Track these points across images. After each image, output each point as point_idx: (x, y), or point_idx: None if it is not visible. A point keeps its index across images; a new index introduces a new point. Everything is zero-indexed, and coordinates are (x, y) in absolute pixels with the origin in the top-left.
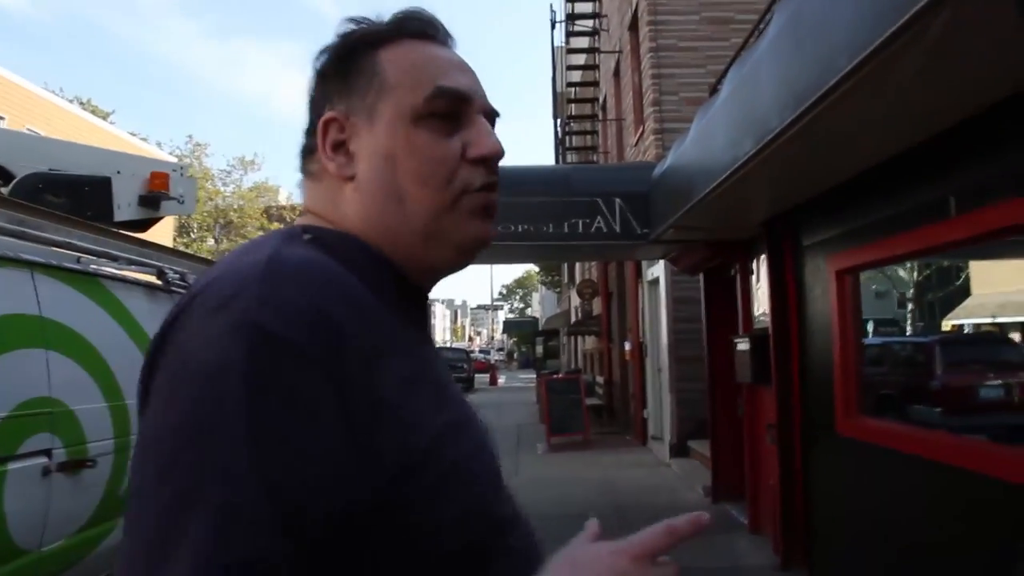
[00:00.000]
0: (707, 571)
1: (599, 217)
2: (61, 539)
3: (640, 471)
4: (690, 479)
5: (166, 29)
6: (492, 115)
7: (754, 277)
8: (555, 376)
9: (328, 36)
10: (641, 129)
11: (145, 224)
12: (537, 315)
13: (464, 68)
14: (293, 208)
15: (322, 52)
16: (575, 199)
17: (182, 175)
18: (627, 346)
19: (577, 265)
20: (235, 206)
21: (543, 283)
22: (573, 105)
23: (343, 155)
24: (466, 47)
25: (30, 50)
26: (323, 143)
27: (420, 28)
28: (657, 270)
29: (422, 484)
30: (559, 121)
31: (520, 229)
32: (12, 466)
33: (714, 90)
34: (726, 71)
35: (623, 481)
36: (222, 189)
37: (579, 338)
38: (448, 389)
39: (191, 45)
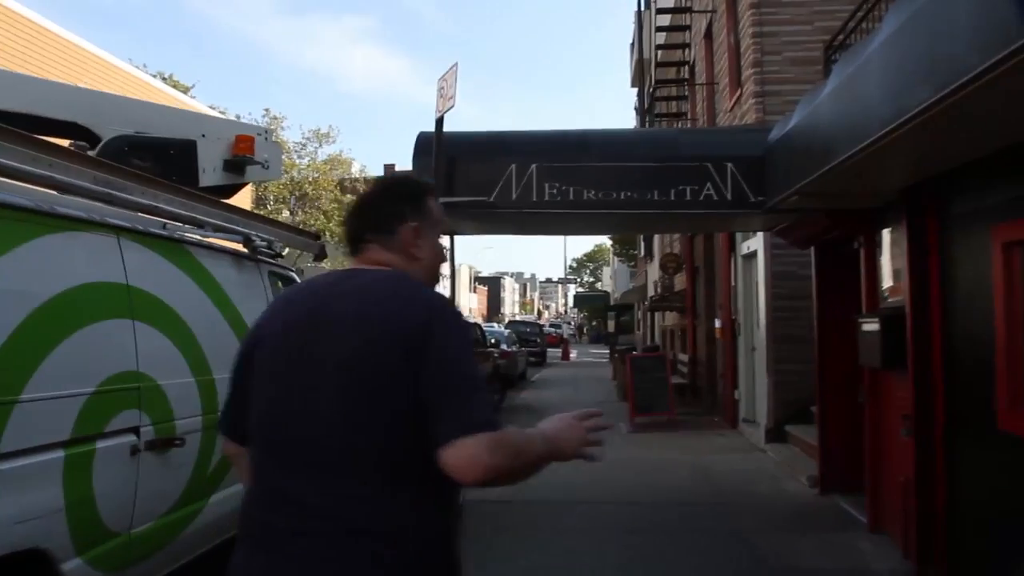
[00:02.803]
0: (829, 572)
1: (708, 183)
2: (151, 521)
3: (734, 456)
4: (791, 467)
5: (243, 6)
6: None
7: (881, 250)
8: (639, 353)
9: (393, 8)
10: (738, 93)
11: (231, 190)
12: (608, 289)
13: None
14: (365, 180)
15: (396, 186)
16: (683, 164)
17: (267, 139)
18: (717, 323)
19: (656, 238)
20: (310, 178)
21: (617, 256)
22: (658, 70)
23: (416, 247)
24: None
25: (114, 28)
26: (411, 239)
27: (433, 187)
28: (755, 243)
29: None
30: (647, 87)
31: (623, 196)
32: (101, 444)
33: (830, 47)
34: (867, 13)
35: (718, 467)
36: (297, 162)
37: (656, 314)
38: None
39: (266, 21)
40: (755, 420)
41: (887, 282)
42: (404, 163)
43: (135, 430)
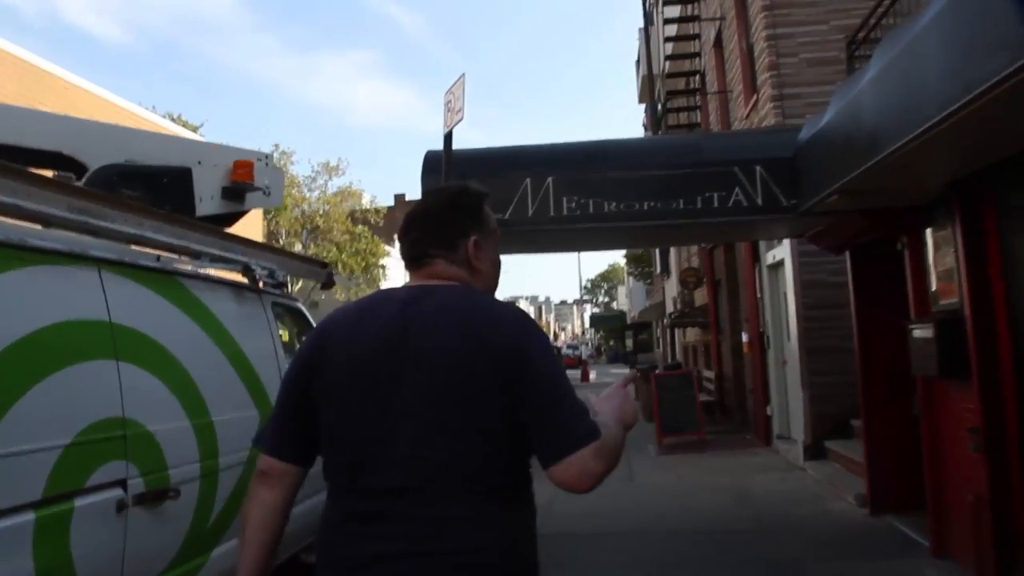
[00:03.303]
0: None
1: (737, 188)
2: None
3: (772, 476)
4: (834, 486)
5: (251, 47)
6: None
7: (928, 250)
8: (662, 371)
9: (396, 42)
10: (754, 98)
11: (231, 218)
12: (624, 308)
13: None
14: (376, 211)
15: (457, 198)
16: (709, 170)
17: (267, 164)
18: (744, 337)
19: (672, 254)
20: (321, 211)
21: (632, 275)
22: (668, 81)
23: (477, 258)
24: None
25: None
26: (472, 250)
27: (487, 194)
28: (781, 252)
29: None
30: (656, 100)
31: (646, 206)
32: (80, 502)
33: (853, 41)
34: None
35: (756, 488)
36: (308, 195)
37: (676, 330)
38: None
39: (273, 60)
40: (790, 436)
41: (937, 284)
42: (413, 192)
43: (121, 483)
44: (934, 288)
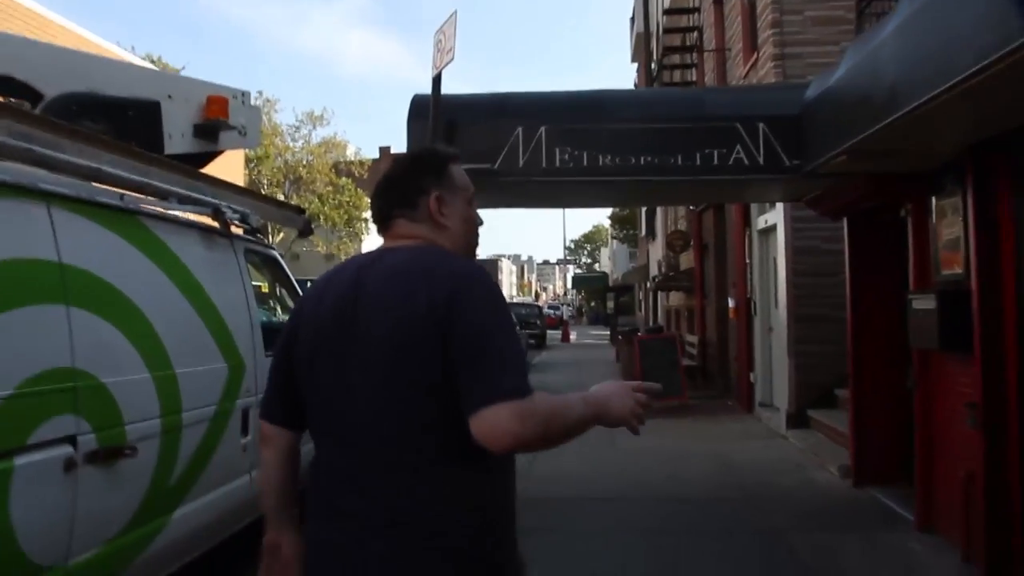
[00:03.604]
0: None
1: (738, 146)
2: (95, 547)
3: (754, 444)
4: (817, 456)
5: None
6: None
7: (934, 218)
8: (645, 335)
9: None
10: (754, 57)
11: (202, 159)
12: (607, 270)
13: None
14: (361, 163)
15: (417, 159)
16: (710, 125)
17: (243, 103)
18: (731, 303)
19: (659, 216)
20: (304, 162)
21: (616, 237)
22: (665, 37)
23: (442, 215)
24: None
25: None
26: (435, 207)
27: (457, 155)
28: (773, 217)
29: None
30: (653, 56)
31: (642, 161)
32: (21, 460)
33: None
34: None
35: (738, 456)
36: (291, 145)
37: (659, 294)
38: None
39: (260, 5)
40: (773, 404)
41: (940, 253)
42: (399, 146)
43: (71, 440)
44: (937, 258)
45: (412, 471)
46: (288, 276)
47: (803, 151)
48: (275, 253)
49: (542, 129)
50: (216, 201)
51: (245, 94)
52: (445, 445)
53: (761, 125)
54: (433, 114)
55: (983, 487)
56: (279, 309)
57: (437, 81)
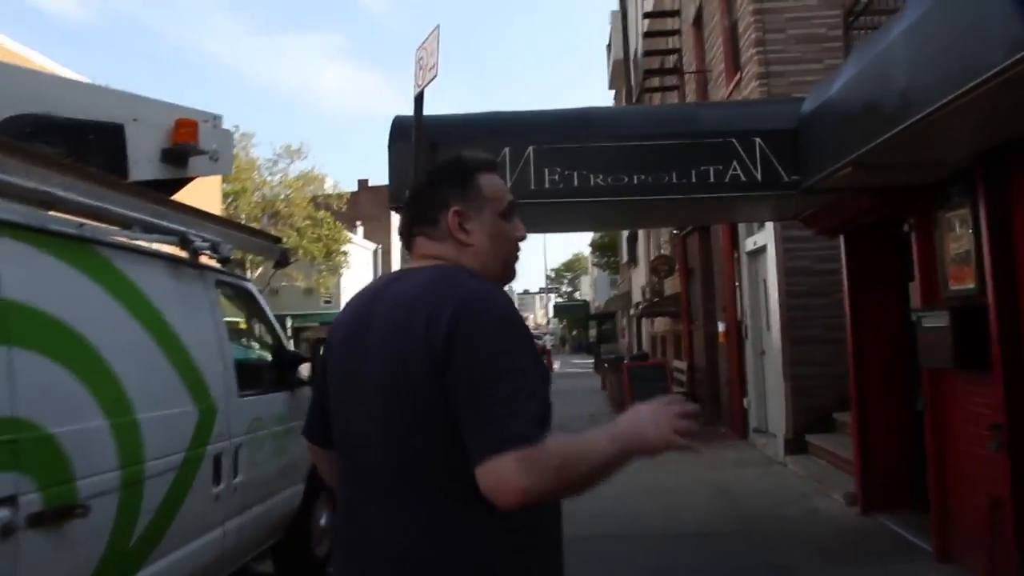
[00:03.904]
0: None
1: (735, 162)
2: None
3: (752, 472)
4: (819, 482)
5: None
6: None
7: (941, 232)
8: (634, 362)
9: (364, 27)
10: (737, 77)
11: (171, 187)
12: (588, 298)
13: (507, 186)
14: (339, 196)
15: (439, 170)
16: (704, 141)
17: (215, 127)
18: (720, 327)
19: (641, 242)
20: (282, 196)
21: (597, 265)
22: (645, 59)
23: (464, 232)
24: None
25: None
26: (455, 224)
27: (491, 163)
28: (763, 238)
29: (544, 389)
30: (632, 82)
31: (635, 180)
32: None
33: (851, 13)
34: None
35: (738, 486)
36: (269, 179)
37: (643, 320)
38: None
39: (237, 42)
40: (768, 430)
41: (949, 268)
42: (378, 178)
43: (10, 500)
44: (945, 273)
45: (412, 515)
46: (264, 310)
47: (802, 166)
48: (249, 285)
49: (530, 149)
50: (184, 229)
51: (217, 118)
52: (453, 490)
53: (757, 140)
54: (416, 135)
55: (1013, 514)
56: (256, 345)
57: (419, 100)
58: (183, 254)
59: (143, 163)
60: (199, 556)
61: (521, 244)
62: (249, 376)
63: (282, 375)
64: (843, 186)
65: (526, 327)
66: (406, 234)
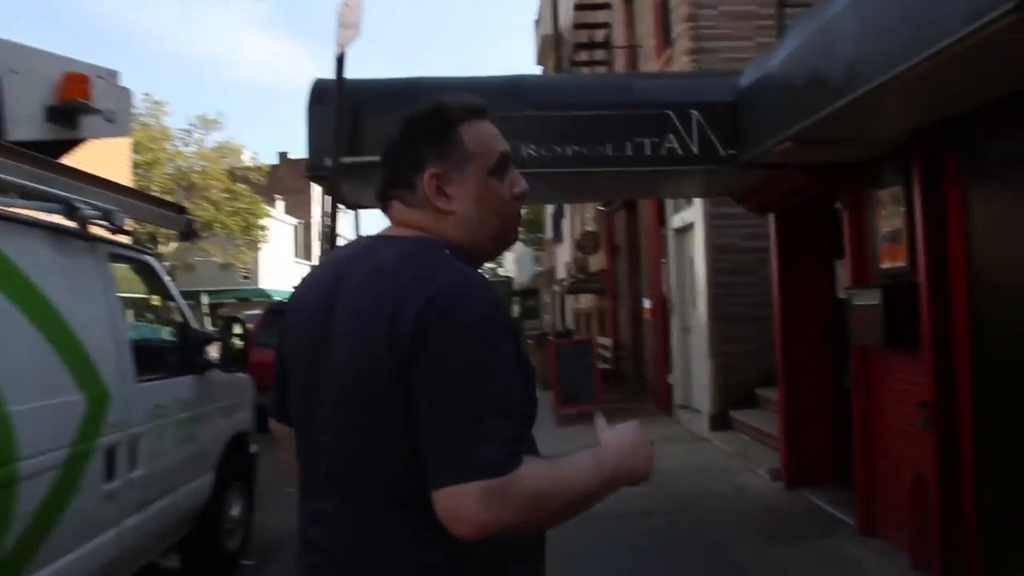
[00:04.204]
0: None
1: (671, 135)
2: None
3: (677, 448)
4: (744, 458)
5: None
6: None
7: (873, 210)
8: (559, 339)
9: None
10: (668, 52)
11: (58, 148)
12: (511, 275)
13: (500, 134)
14: (259, 169)
15: (414, 122)
16: (640, 112)
17: (111, 83)
18: (647, 304)
19: (567, 218)
20: (197, 167)
21: (521, 240)
22: (575, 33)
23: (444, 197)
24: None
25: None
26: (431, 189)
27: (478, 109)
28: (690, 215)
29: (528, 395)
30: (562, 55)
31: (569, 152)
32: None
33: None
34: None
35: (665, 462)
36: (183, 150)
37: (567, 297)
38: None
39: (150, 6)
40: (693, 406)
41: (880, 247)
42: (301, 151)
43: None
44: (875, 251)
45: (380, 526)
46: (166, 285)
47: (739, 140)
48: (150, 259)
49: None
50: (70, 196)
51: (113, 73)
52: (402, 493)
53: (694, 113)
54: (337, 99)
55: (937, 490)
56: (160, 326)
57: (341, 61)
58: (70, 224)
59: (24, 121)
60: (90, 561)
61: (519, 202)
62: (150, 359)
63: (189, 357)
64: (780, 162)
65: (509, 325)
66: (381, 197)
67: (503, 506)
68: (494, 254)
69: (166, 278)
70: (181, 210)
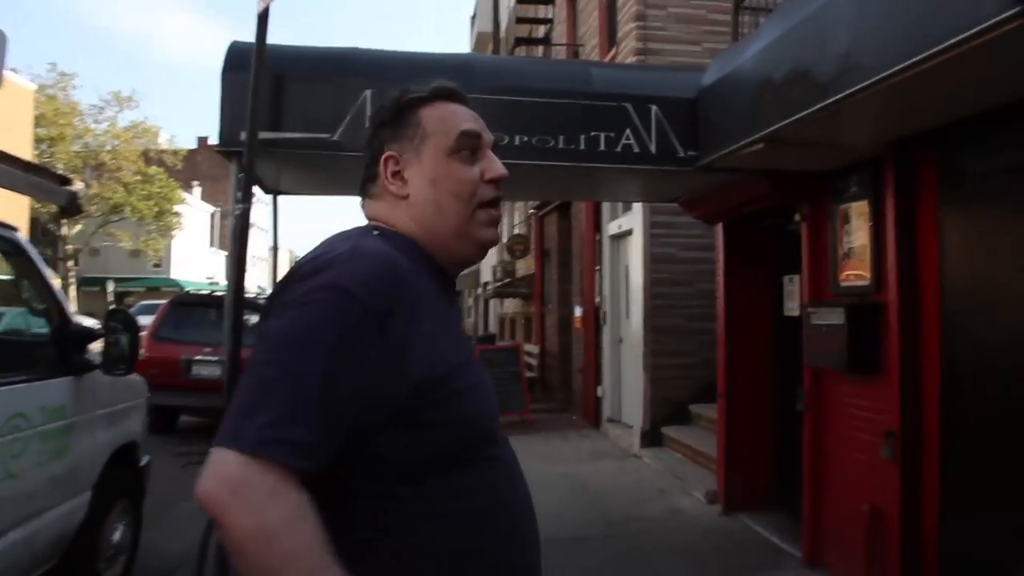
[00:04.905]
0: None
1: (628, 130)
2: None
3: (608, 464)
4: (678, 478)
5: None
6: (495, 145)
7: (835, 223)
8: (484, 345)
9: None
10: (613, 52)
11: None
12: None
13: (474, 117)
14: (175, 152)
15: (379, 110)
16: (597, 103)
17: None
18: (577, 312)
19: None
20: (108, 147)
21: None
22: (516, 27)
23: (399, 180)
24: None
25: None
26: (385, 172)
27: (445, 92)
28: (628, 221)
29: (434, 397)
30: (506, 53)
31: (517, 141)
32: None
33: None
34: None
35: (595, 481)
36: (93, 127)
37: (491, 301)
38: (463, 342)
39: None
40: (622, 420)
41: (841, 263)
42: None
43: None
44: (835, 267)
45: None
46: (38, 267)
47: (701, 141)
48: (18, 236)
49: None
50: None
51: None
52: (348, 482)
53: (653, 108)
54: (256, 65)
55: (899, 524)
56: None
57: (264, 19)
58: None
59: None
60: None
61: (495, 190)
62: (7, 357)
63: (63, 355)
64: (744, 166)
65: (375, 310)
66: (360, 196)
67: (229, 492)
68: (465, 254)
69: (38, 260)
70: (64, 181)
